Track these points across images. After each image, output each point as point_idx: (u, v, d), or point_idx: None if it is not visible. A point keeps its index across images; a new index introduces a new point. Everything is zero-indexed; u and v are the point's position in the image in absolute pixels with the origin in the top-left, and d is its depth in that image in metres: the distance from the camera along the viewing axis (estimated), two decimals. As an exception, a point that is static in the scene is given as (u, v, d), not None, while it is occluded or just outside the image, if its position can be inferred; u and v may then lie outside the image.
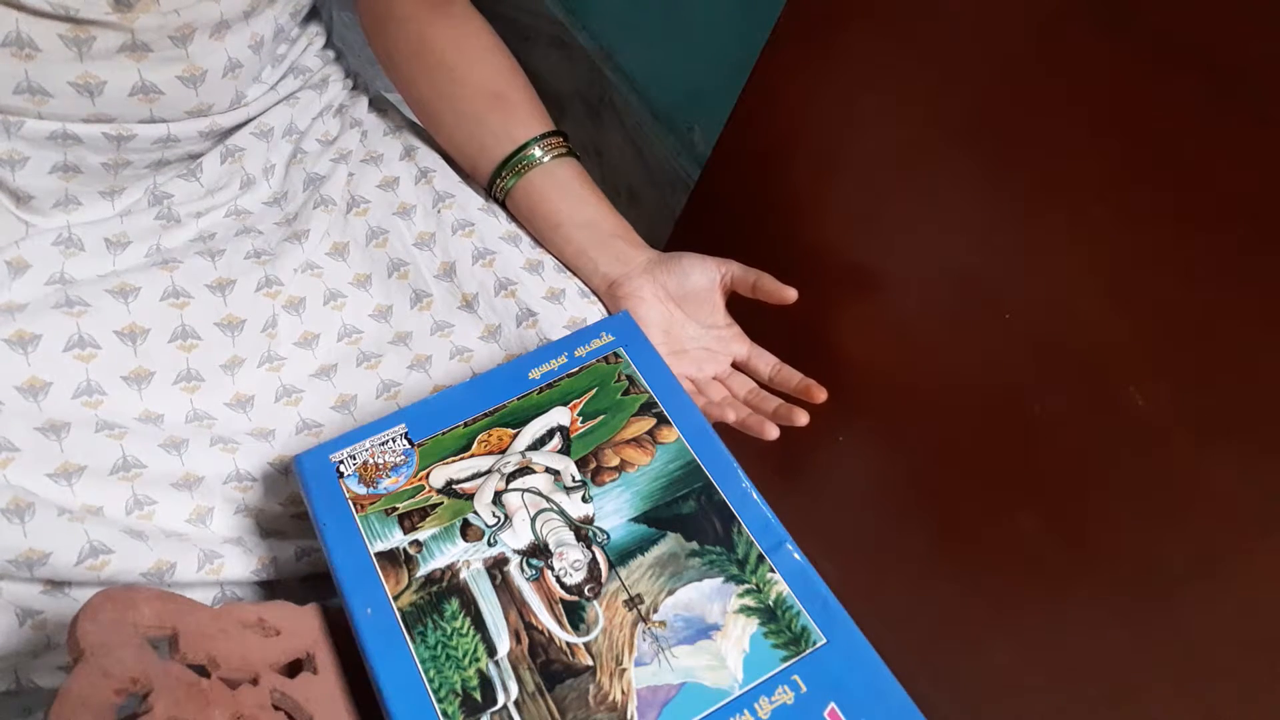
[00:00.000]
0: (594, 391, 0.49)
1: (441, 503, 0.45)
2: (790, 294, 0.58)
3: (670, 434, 0.48)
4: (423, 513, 0.45)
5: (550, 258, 0.62)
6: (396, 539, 0.44)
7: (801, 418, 0.56)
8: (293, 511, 0.52)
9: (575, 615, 0.42)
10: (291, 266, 0.59)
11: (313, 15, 0.65)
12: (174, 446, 0.50)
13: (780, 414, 0.57)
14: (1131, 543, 0.51)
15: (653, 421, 0.48)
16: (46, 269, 0.52)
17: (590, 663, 0.41)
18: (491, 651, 0.41)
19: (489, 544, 0.44)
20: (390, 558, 0.43)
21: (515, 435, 0.48)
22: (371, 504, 0.45)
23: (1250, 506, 0.46)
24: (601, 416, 0.48)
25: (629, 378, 0.50)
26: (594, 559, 0.44)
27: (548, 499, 0.46)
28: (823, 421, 0.58)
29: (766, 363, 0.61)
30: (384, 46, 0.65)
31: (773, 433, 0.56)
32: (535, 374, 0.50)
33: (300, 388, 0.56)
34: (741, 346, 0.61)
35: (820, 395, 0.57)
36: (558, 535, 0.45)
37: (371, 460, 0.46)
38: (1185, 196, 0.45)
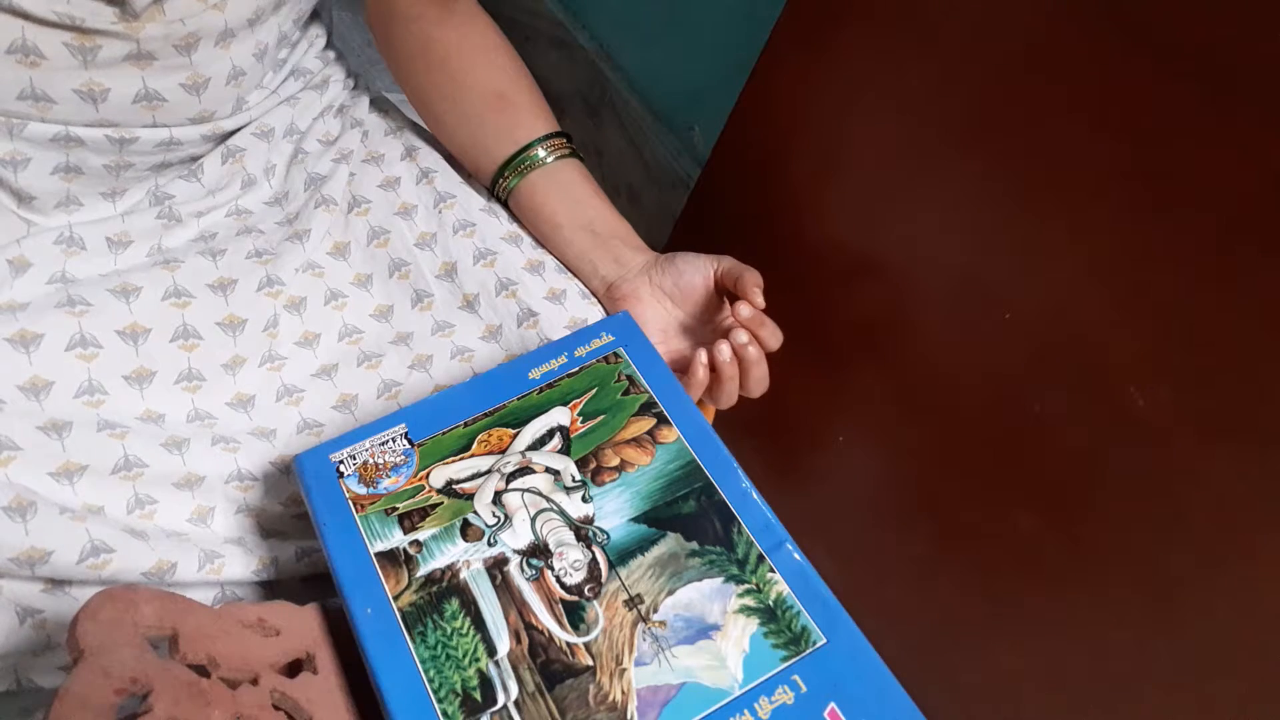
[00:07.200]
0: (594, 391, 0.49)
1: (441, 503, 0.45)
2: (757, 301, 0.55)
3: (670, 434, 0.48)
4: (423, 513, 0.45)
5: (551, 258, 0.62)
6: (396, 539, 0.44)
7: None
8: (293, 511, 0.52)
9: (575, 615, 0.42)
10: (293, 266, 0.59)
11: (313, 17, 0.65)
12: (175, 446, 0.50)
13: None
14: (1131, 542, 0.51)
15: (653, 421, 0.48)
16: (48, 268, 0.52)
17: (590, 663, 0.41)
18: (491, 651, 0.41)
19: (489, 544, 0.44)
20: (390, 558, 0.44)
21: (515, 435, 0.48)
22: (371, 504, 0.45)
23: (1250, 507, 0.46)
24: (601, 416, 0.48)
25: (629, 378, 0.50)
26: (594, 559, 0.44)
27: (548, 499, 0.46)
28: (823, 421, 0.58)
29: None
30: (389, 46, 0.65)
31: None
32: (535, 374, 0.50)
33: (301, 387, 0.56)
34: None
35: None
36: (558, 535, 0.45)
37: (372, 460, 0.46)
38: (1185, 196, 0.45)
